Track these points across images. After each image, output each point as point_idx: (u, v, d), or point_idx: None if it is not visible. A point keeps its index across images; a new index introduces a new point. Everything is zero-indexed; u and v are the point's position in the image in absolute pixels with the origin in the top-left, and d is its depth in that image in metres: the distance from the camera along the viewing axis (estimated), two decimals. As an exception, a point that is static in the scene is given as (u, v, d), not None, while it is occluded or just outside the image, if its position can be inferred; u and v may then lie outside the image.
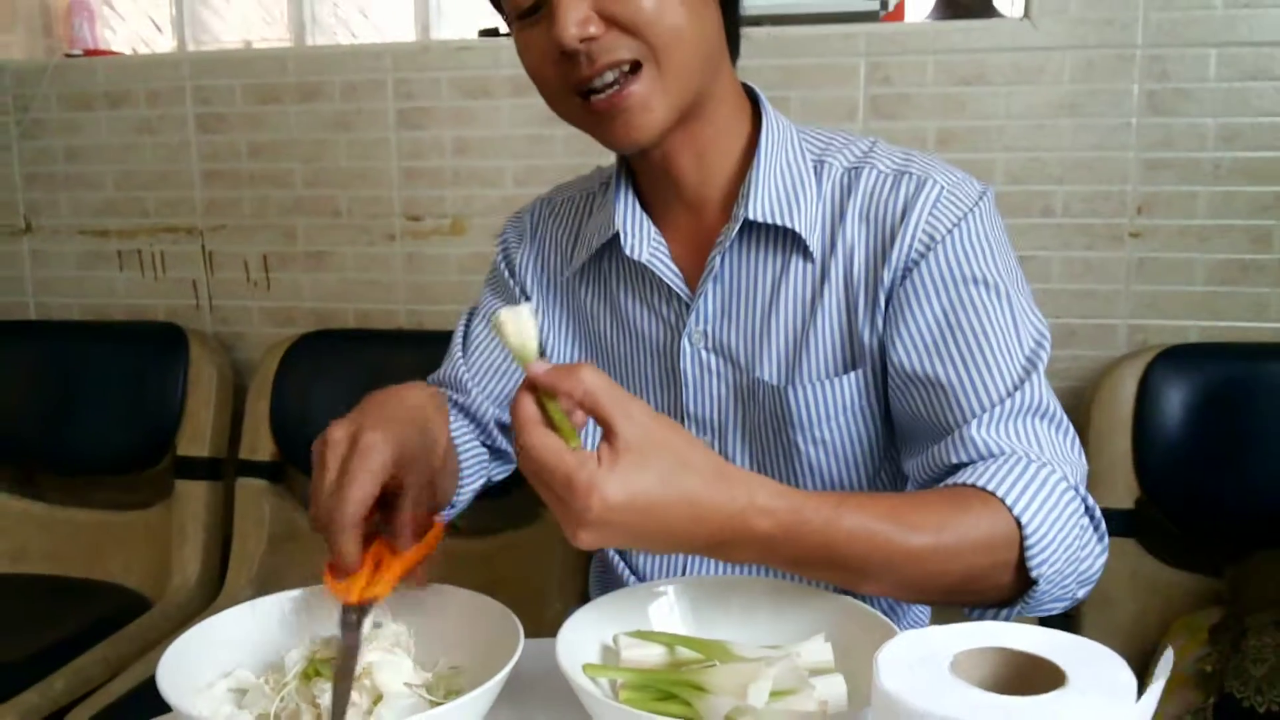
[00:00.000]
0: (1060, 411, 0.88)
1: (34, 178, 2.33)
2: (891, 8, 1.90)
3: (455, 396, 1.08)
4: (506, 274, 1.13)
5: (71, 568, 2.15)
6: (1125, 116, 1.79)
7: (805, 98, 1.89)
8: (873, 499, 0.77)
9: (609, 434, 0.67)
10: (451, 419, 1.00)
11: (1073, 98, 1.80)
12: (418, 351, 2.08)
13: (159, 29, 2.53)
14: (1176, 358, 1.74)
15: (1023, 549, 0.77)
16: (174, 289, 2.29)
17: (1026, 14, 1.81)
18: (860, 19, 1.87)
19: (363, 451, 0.77)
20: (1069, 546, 0.79)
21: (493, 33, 2.04)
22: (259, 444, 2.07)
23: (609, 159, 1.04)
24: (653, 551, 0.70)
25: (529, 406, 0.68)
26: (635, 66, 0.87)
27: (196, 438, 2.11)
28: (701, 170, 0.98)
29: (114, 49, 2.48)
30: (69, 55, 2.35)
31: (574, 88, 0.89)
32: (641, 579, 1.09)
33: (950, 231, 0.90)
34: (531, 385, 0.68)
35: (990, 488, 0.78)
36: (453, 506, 1.03)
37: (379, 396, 0.86)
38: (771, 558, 0.73)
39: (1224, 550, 1.68)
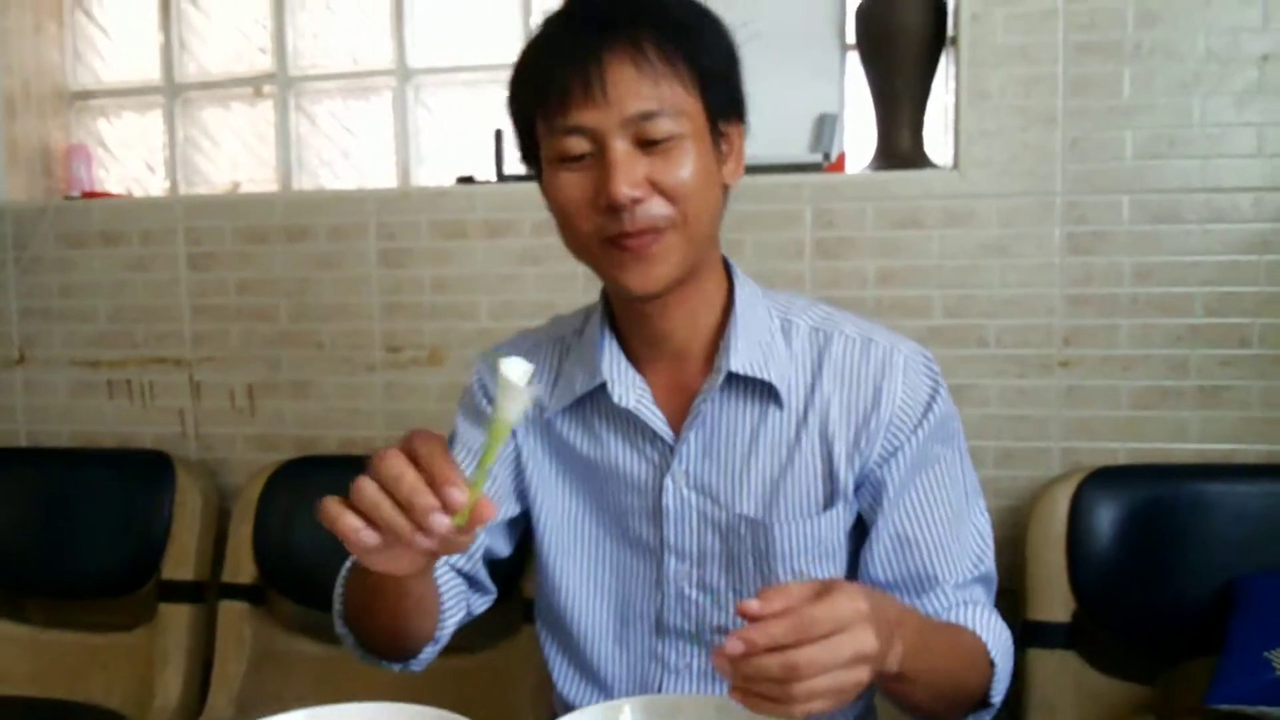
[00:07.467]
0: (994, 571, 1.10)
1: (29, 311, 2.43)
2: (834, 159, 2.05)
3: None
4: (485, 404, 1.18)
5: (54, 689, 2.18)
6: (1049, 256, 1.94)
7: (757, 240, 2.03)
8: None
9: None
10: None
11: (1000, 240, 1.95)
12: (396, 477, 2.18)
13: (151, 170, 2.66)
14: (1106, 478, 1.86)
15: (990, 680, 1.01)
16: (161, 417, 2.38)
17: (956, 165, 1.98)
18: (806, 169, 2.02)
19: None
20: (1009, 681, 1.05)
21: (468, 180, 2.20)
22: (241, 567, 2.14)
23: (573, 300, 1.13)
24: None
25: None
26: (665, 226, 0.98)
27: (181, 561, 2.17)
28: (690, 325, 1.08)
29: (108, 188, 2.60)
30: (68, 198, 2.47)
31: (607, 234, 0.98)
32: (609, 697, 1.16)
33: (928, 408, 1.06)
34: None
35: (978, 632, 1.02)
36: (435, 642, 1.10)
37: None
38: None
39: (1157, 660, 1.78)
